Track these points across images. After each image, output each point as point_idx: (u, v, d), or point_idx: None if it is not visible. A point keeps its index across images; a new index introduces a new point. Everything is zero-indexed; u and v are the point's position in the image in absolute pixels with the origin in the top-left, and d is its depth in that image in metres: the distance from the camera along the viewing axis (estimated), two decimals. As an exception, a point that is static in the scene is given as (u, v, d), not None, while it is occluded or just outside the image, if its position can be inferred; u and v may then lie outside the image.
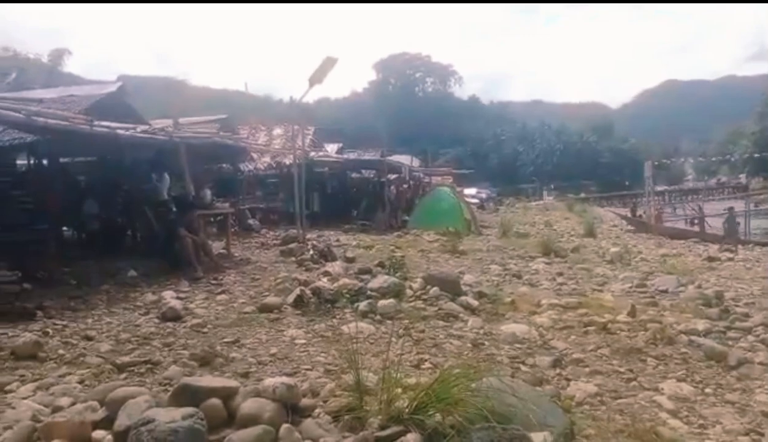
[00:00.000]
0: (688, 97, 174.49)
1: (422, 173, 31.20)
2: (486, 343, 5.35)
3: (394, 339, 4.79)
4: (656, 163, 31.63)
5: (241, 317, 6.12)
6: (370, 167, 23.53)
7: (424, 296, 6.93)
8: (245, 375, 4.18)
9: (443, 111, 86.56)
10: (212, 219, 13.58)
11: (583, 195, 52.13)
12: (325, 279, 7.85)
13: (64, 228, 11.42)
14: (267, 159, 21.92)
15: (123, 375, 4.17)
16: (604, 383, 4.35)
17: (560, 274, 9.56)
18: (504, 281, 8.93)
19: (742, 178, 55.10)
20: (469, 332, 5.68)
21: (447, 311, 6.38)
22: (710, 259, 12.54)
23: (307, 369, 4.36)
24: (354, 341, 3.86)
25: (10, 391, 3.81)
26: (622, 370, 4.66)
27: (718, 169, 67.91)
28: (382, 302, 6.39)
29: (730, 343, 5.45)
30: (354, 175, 24.39)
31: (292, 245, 11.44)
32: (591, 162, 70.71)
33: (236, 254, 11.17)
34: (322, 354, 4.77)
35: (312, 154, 20.90)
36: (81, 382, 3.99)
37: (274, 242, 13.21)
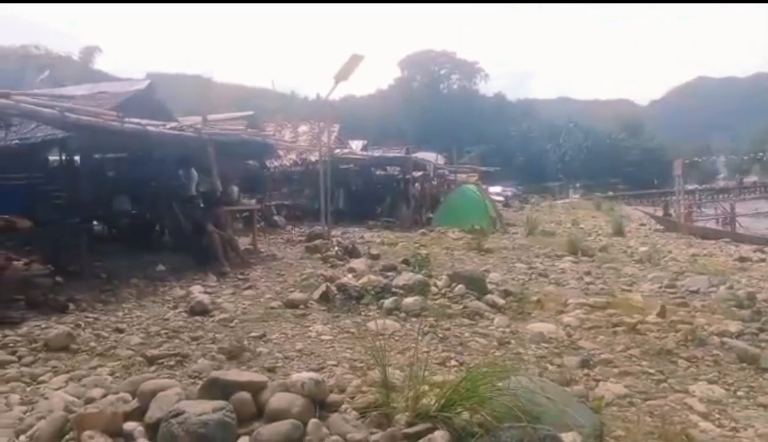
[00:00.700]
0: (718, 94, 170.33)
1: (447, 170, 31.03)
2: (512, 342, 5.31)
3: (419, 337, 4.78)
4: (686, 161, 31.01)
5: (267, 312, 6.17)
6: (394, 164, 23.45)
7: (449, 294, 6.90)
8: (272, 370, 4.22)
9: (468, 108, 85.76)
10: (239, 215, 13.75)
11: (610, 193, 51.30)
12: (350, 276, 7.90)
13: (95, 223, 11.63)
14: (292, 156, 22.03)
15: (153, 368, 4.25)
16: (633, 384, 4.29)
17: (588, 273, 9.41)
18: (530, 279, 8.83)
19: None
20: (495, 331, 5.64)
21: (472, 309, 6.34)
22: (741, 259, 12.25)
23: (333, 365, 4.38)
24: (379, 337, 3.86)
25: (43, 382, 3.92)
26: (651, 371, 4.58)
27: (750, 168, 66.35)
28: (407, 300, 6.38)
29: (762, 345, 5.33)
30: (379, 172, 24.37)
31: (317, 242, 11.53)
32: (619, 160, 69.55)
33: (262, 250, 11.28)
34: (348, 350, 4.79)
35: (337, 151, 20.92)
36: (112, 374, 4.08)
37: (300, 238, 13.31)
